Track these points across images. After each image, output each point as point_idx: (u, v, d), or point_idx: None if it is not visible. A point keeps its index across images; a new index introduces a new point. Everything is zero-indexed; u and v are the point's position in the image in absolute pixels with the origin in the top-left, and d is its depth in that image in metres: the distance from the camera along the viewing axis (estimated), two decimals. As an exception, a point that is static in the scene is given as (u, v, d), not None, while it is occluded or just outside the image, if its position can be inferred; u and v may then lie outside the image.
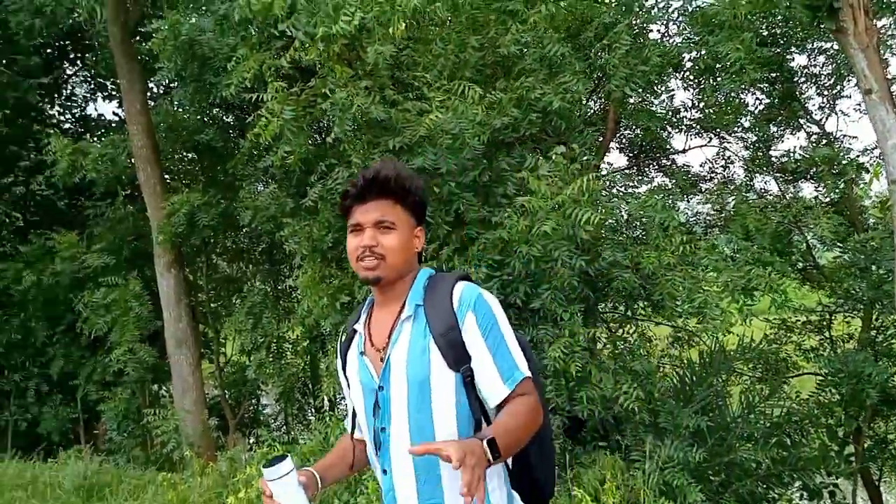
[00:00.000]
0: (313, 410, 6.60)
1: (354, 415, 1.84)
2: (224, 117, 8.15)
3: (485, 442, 1.41)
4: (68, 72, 11.87)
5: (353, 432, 1.86)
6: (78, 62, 11.70)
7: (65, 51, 11.30)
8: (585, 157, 4.70)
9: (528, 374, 1.65)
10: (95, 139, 10.48)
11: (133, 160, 7.62)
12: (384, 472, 1.70)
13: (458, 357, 1.63)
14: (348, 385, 1.86)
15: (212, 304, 8.34)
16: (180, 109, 8.16)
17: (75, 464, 5.90)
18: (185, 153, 8.42)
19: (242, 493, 4.48)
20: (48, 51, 10.58)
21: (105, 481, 5.62)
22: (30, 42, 9.52)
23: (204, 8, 6.40)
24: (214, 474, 5.19)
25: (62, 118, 12.28)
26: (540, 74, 4.68)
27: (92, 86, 12.23)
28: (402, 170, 1.77)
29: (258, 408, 8.35)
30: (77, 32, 10.03)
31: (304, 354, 6.11)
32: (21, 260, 8.46)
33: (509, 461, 1.71)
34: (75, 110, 12.45)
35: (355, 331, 1.84)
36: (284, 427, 8.00)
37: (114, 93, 11.40)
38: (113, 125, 11.37)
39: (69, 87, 12.28)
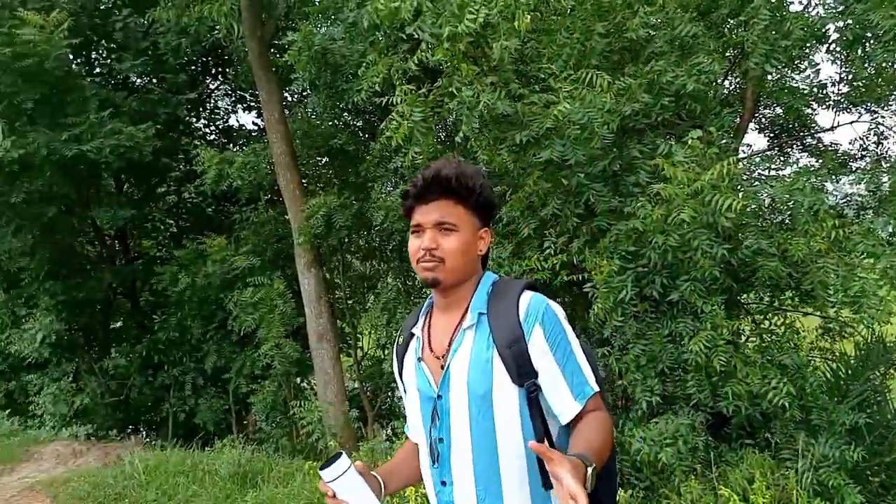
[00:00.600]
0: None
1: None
2: (355, 122, 8.45)
3: (590, 469, 1.32)
4: (211, 86, 12.73)
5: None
6: (220, 77, 12.50)
7: (208, 67, 12.11)
8: (723, 141, 4.49)
9: (598, 389, 1.59)
10: (237, 148, 11.16)
11: (273, 167, 8.06)
12: (443, 483, 1.64)
13: (522, 371, 1.54)
14: (405, 391, 1.81)
15: (348, 301, 8.69)
16: (314, 116, 8.54)
17: (230, 452, 6.33)
18: (319, 158, 8.80)
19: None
20: (193, 68, 11.34)
21: (257, 469, 5.99)
22: (177, 61, 10.30)
23: (334, 17, 6.65)
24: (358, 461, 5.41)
25: (207, 130, 13.20)
26: (671, 57, 4.51)
27: (233, 98, 13.07)
28: (466, 168, 1.67)
29: (394, 400, 8.60)
30: (218, 49, 10.72)
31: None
32: (176, 264, 9.16)
33: None
34: (219, 122, 13.35)
35: (412, 334, 1.77)
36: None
37: (252, 104, 12.07)
38: (253, 134, 12.06)
39: (213, 101, 13.19)
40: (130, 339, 10.17)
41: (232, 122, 13.46)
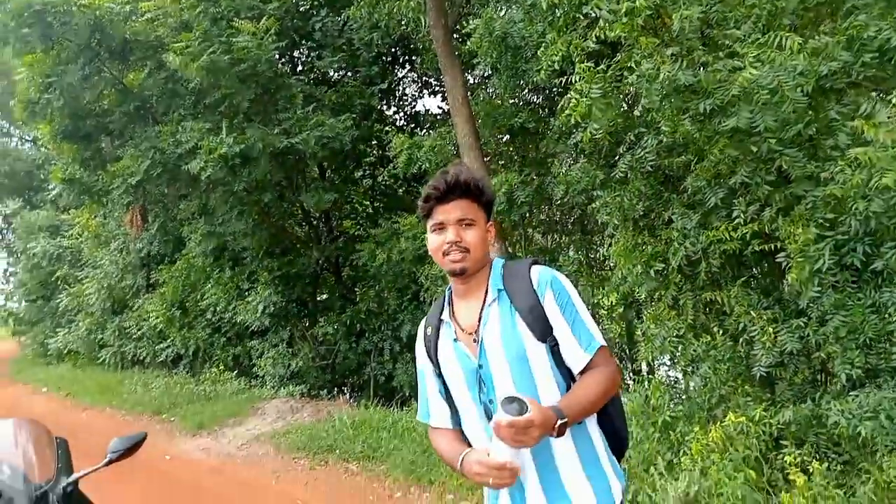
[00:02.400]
0: (631, 374, 6.75)
1: (451, 404, 2.02)
2: (535, 100, 8.63)
3: (558, 422, 1.66)
4: (399, 75, 13.48)
5: (450, 421, 2.03)
6: (407, 65, 13.20)
7: (396, 57, 12.84)
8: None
9: (604, 343, 1.86)
10: (424, 132, 11.77)
11: (458, 148, 8.47)
12: (492, 439, 1.78)
13: (543, 329, 1.84)
14: (438, 374, 2.03)
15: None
16: (496, 97, 8.84)
17: (424, 413, 6.88)
18: (501, 137, 9.08)
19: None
20: (383, 59, 12.07)
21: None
22: (369, 54, 11.09)
23: (514, 0, 6.87)
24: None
25: (397, 116, 14.04)
26: (874, 10, 4.21)
27: (419, 85, 13.77)
28: (475, 173, 1.98)
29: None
30: (405, 39, 11.34)
31: (619, 321, 6.29)
32: (373, 241, 9.93)
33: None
34: (407, 108, 14.14)
35: (441, 321, 2.03)
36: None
37: (438, 89, 12.62)
38: (438, 118, 12.63)
39: (401, 89, 13.98)
40: (335, 309, 11.18)
41: (419, 107, 14.22)
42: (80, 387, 13.19)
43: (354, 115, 10.42)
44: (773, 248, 4.28)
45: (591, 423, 1.93)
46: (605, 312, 7.37)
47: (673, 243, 4.96)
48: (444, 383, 2.03)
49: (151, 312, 13.01)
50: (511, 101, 8.23)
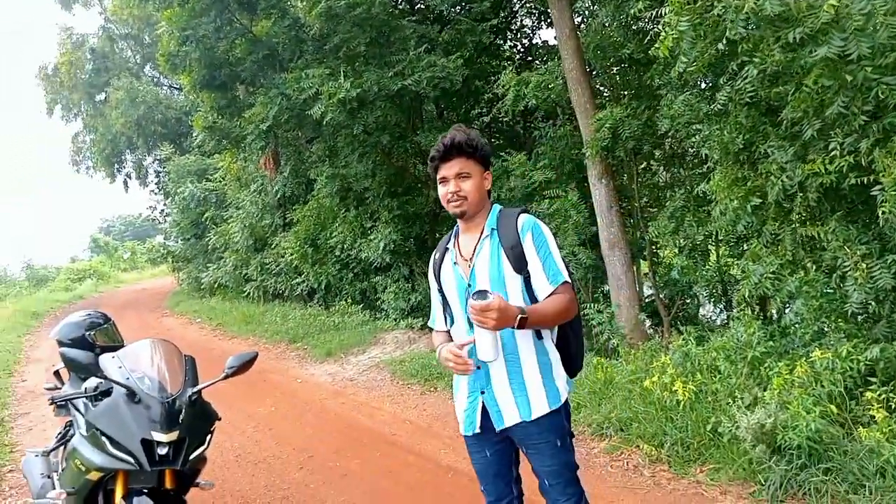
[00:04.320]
0: (727, 309, 6.66)
1: (447, 311, 2.60)
2: (646, 27, 8.34)
3: (519, 315, 2.15)
4: (515, 8, 13.32)
5: (445, 325, 2.63)
6: (523, -2, 13.02)
7: (511, -13, 12.68)
8: None
9: (568, 279, 2.34)
10: (541, 65, 11.67)
11: (566, 82, 8.42)
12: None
13: (520, 265, 2.35)
14: (439, 289, 2.59)
15: (642, 210, 8.85)
16: (605, 28, 8.63)
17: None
18: (611, 69, 8.90)
19: (657, 378, 4.99)
20: (496, -7, 11.93)
21: (552, 361, 6.70)
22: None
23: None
24: (638, 361, 5.80)
25: (514, 50, 13.95)
26: None
27: (536, 16, 13.56)
28: (470, 132, 2.43)
29: (691, 307, 8.67)
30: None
31: (721, 257, 6.20)
32: (486, 179, 10.13)
33: (554, 336, 2.46)
34: (524, 41, 14.00)
35: (447, 249, 2.57)
36: (716, 322, 8.19)
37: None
38: (554, 50, 12.45)
39: (518, 21, 13.83)
40: (452, 247, 11.57)
41: (536, 39, 14.02)
42: (228, 318, 14.57)
43: (465, 54, 10.52)
44: (870, 181, 4.09)
45: (551, 346, 2.48)
46: (713, 248, 7.29)
47: (770, 177, 4.83)
48: (444, 297, 2.59)
49: (287, 249, 14.04)
50: (619, 32, 8.00)
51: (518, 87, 8.61)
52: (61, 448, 3.74)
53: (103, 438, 2.89)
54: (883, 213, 3.89)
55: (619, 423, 5.14)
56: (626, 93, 8.55)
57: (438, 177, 2.46)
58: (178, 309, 18.46)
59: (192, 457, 2.98)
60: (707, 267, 6.77)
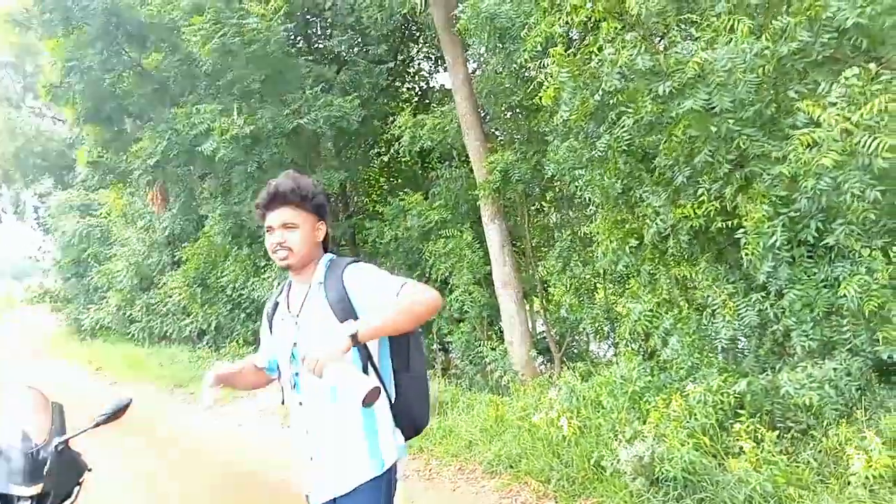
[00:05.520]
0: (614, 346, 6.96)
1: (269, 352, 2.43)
2: (533, 76, 8.72)
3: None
4: (412, 52, 13.60)
5: (260, 364, 2.45)
6: (420, 42, 13.31)
7: (409, 33, 12.94)
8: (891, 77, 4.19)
9: (405, 280, 2.13)
10: (437, 106, 11.92)
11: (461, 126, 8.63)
12: (300, 404, 2.28)
13: (346, 317, 2.14)
14: (271, 335, 2.43)
15: (533, 250, 9.13)
16: (497, 74, 8.95)
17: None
18: (504, 115, 9.21)
19: (544, 414, 5.11)
20: (394, 38, 12.18)
21: (446, 399, 6.73)
22: (378, 32, 11.24)
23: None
24: (528, 397, 5.92)
25: (412, 93, 14.19)
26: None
27: (432, 61, 13.87)
28: (300, 181, 2.29)
29: (580, 343, 8.95)
30: (415, 17, 11.46)
31: (606, 295, 6.48)
32: (382, 219, 10.19)
33: (392, 400, 2.28)
34: (422, 83, 14.27)
35: (277, 303, 2.42)
36: (605, 358, 8.49)
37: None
38: (450, 93, 12.77)
39: (415, 65, 14.10)
40: (351, 285, 11.49)
41: (435, 82, 14.32)
42: (109, 361, 13.79)
43: (363, 95, 10.61)
44: (734, 224, 4.42)
45: (381, 408, 2.27)
46: (598, 287, 7.60)
47: (646, 220, 5.12)
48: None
49: (175, 289, 13.50)
50: (509, 79, 8.33)
51: (414, 128, 8.78)
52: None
53: (-43, 494, 2.67)
54: (746, 254, 4.20)
55: (509, 459, 5.21)
56: (517, 137, 8.86)
57: (265, 225, 2.31)
58: (54, 352, 17.30)
59: None
60: (594, 304, 7.04)
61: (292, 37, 11.74)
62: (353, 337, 1.98)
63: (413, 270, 10.41)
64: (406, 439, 2.37)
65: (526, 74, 8.31)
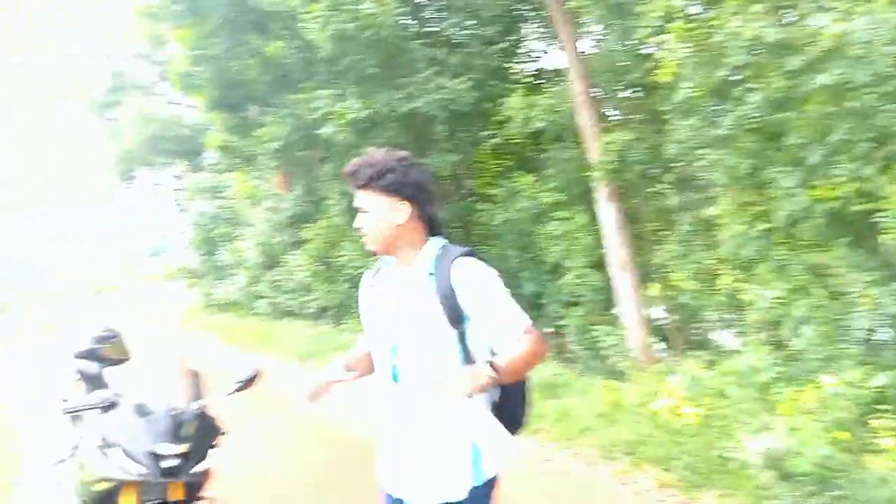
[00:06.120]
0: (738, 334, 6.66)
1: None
2: (648, 52, 8.41)
3: (487, 363, 1.90)
4: (523, 32, 13.42)
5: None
6: (531, 21, 13.11)
7: (521, 13, 12.78)
8: None
9: (529, 322, 2.03)
10: (549, 86, 11.74)
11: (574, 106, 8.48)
12: (396, 396, 2.14)
13: (455, 317, 2.02)
14: (368, 321, 2.27)
15: (651, 233, 8.88)
16: (613, 52, 8.70)
17: (539, 367, 7.13)
18: (619, 93, 8.97)
19: (665, 401, 5.00)
20: (506, 17, 12.04)
21: (561, 382, 6.70)
22: (490, 14, 11.16)
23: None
24: (646, 384, 5.80)
25: (523, 73, 14.03)
26: None
27: (544, 40, 13.64)
28: (370, 158, 2.10)
29: (702, 331, 8.66)
30: (525, -4, 11.34)
31: (730, 282, 6.20)
32: (494, 201, 10.20)
33: (495, 401, 2.15)
34: (533, 64, 14.08)
35: (377, 282, 2.25)
36: (728, 347, 8.16)
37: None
38: (563, 72, 12.54)
39: (527, 45, 13.92)
40: (462, 267, 11.59)
41: (546, 63, 14.10)
42: (239, 334, 14.67)
43: (474, 77, 10.61)
44: (873, 207, 4.12)
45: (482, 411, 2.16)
46: (720, 272, 7.29)
47: (776, 202, 4.86)
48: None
49: (298, 267, 14.11)
50: (626, 56, 8.07)
51: (526, 109, 8.70)
52: (72, 459, 3.80)
53: (112, 450, 2.96)
54: (887, 239, 3.91)
55: (627, 446, 5.13)
56: (633, 116, 8.60)
57: None
58: (189, 324, 18.58)
59: (197, 469, 3.03)
60: (717, 291, 6.77)
61: (405, 20, 11.86)
62: (494, 379, 1.90)
63: (525, 253, 10.38)
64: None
65: (643, 51, 8.05)
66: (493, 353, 2.05)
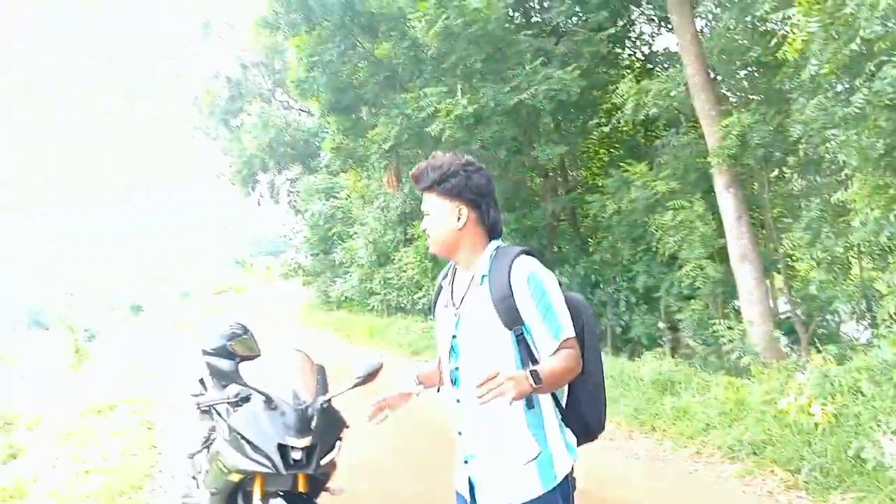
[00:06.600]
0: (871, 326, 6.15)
1: None
2: (773, 29, 7.93)
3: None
4: (633, 15, 13.00)
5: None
6: (642, 3, 12.70)
7: (629, -4, 12.40)
8: None
9: (572, 334, 2.00)
10: (661, 70, 11.35)
11: (689, 89, 8.13)
12: (457, 401, 2.13)
13: (511, 319, 2.00)
14: (437, 326, 2.27)
15: (773, 221, 8.38)
16: (730, 31, 8.26)
17: (652, 362, 6.91)
18: (737, 73, 8.52)
19: (793, 399, 4.70)
20: (614, 1, 11.70)
21: (677, 379, 6.45)
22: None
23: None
24: (771, 381, 5.48)
25: (633, 58, 13.61)
26: None
27: (656, 22, 13.17)
28: (434, 161, 2.11)
29: (830, 322, 8.10)
30: (637, -22, 10.96)
31: (863, 270, 5.75)
32: (604, 192, 9.96)
33: (562, 401, 2.13)
34: (643, 48, 13.63)
35: (442, 286, 2.28)
36: (861, 340, 7.59)
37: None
38: (676, 56, 12.07)
39: (637, 28, 13.49)
40: (571, 260, 11.43)
41: (658, 45, 13.62)
42: (354, 329, 15.13)
43: (583, 65, 10.40)
44: None
45: (549, 414, 2.10)
46: (854, 261, 6.80)
47: (918, 184, 4.46)
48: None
49: (408, 264, 14.37)
50: (744, 35, 7.65)
51: (638, 95, 8.41)
52: (205, 451, 4.02)
53: (243, 442, 3.09)
54: None
55: (752, 445, 4.89)
56: (754, 98, 8.15)
57: None
58: (307, 321, 19.35)
59: (323, 462, 3.11)
60: (848, 281, 6.30)
61: (511, 12, 11.79)
62: (536, 388, 1.86)
63: (638, 244, 10.10)
64: (577, 445, 2.18)
65: (763, 28, 7.61)
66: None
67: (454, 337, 2.14)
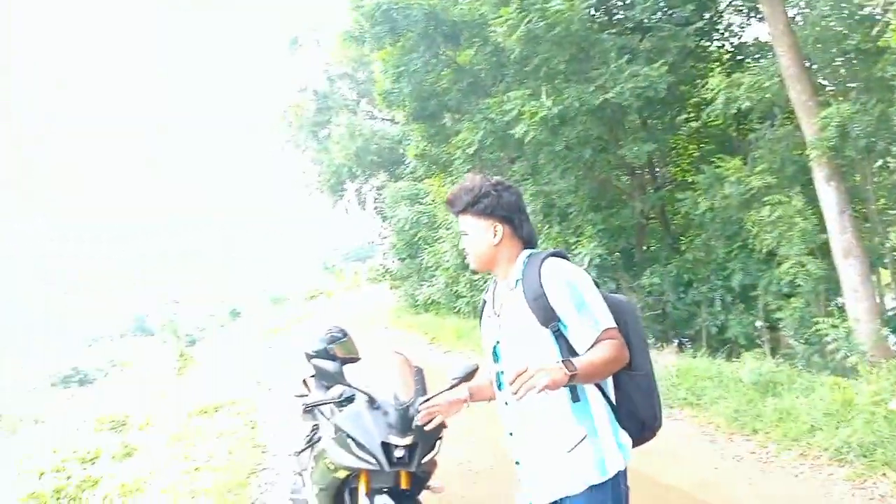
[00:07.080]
0: None
1: None
2: (873, 15, 7.56)
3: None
4: (721, 6, 12.63)
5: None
6: (730, -5, 12.32)
7: (715, -13, 12.06)
8: None
9: (611, 325, 2.08)
10: (752, 62, 10.96)
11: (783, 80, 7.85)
12: (505, 403, 2.25)
13: (546, 316, 2.12)
14: (483, 336, 2.41)
15: (879, 214, 7.98)
16: (826, 19, 7.94)
17: (752, 363, 6.71)
18: (834, 62, 8.17)
19: (906, 401, 4.50)
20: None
21: (779, 379, 6.24)
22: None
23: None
24: (881, 380, 5.24)
25: (722, 51, 13.20)
26: None
27: (745, 12, 12.73)
28: (467, 184, 2.29)
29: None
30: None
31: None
32: (695, 188, 9.72)
33: (610, 396, 2.18)
34: (733, 40, 13.19)
35: (484, 301, 2.44)
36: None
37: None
38: (767, 46, 11.65)
39: (725, 20, 13.08)
40: (662, 259, 11.20)
41: (747, 36, 13.15)
42: (441, 332, 15.31)
43: (669, 60, 10.20)
44: None
45: (598, 408, 2.18)
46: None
47: None
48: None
49: (495, 267, 14.42)
50: (841, 22, 7.34)
51: (729, 89, 8.20)
52: (309, 449, 4.22)
53: (349, 440, 3.25)
54: None
55: (862, 448, 4.70)
56: (853, 86, 7.80)
57: None
58: (396, 323, 19.71)
59: (424, 460, 3.24)
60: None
61: (593, 12, 11.69)
62: (572, 377, 1.92)
63: (733, 242, 9.81)
64: (634, 445, 2.24)
65: (861, 15, 7.28)
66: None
67: (497, 342, 2.30)
